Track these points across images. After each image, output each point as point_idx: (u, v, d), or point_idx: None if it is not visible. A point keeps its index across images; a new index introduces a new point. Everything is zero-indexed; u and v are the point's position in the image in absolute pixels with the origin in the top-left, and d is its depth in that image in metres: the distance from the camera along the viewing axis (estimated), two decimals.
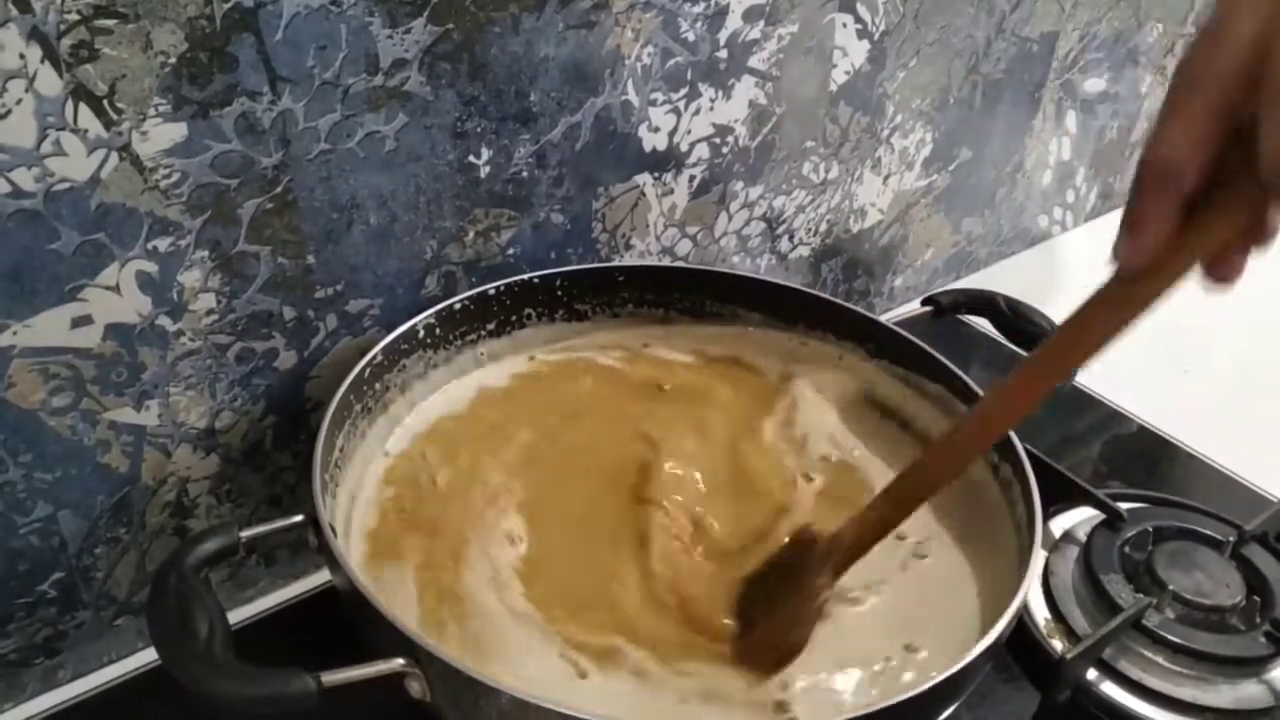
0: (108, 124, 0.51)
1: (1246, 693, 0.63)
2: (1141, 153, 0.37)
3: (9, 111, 0.48)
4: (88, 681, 0.64)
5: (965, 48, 0.93)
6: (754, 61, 0.78)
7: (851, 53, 0.84)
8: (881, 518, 0.53)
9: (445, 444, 0.66)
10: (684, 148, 0.78)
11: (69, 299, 0.54)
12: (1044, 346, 0.46)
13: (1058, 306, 0.77)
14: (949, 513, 0.64)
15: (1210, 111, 0.35)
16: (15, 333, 0.53)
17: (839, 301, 0.74)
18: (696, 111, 0.76)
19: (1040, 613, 0.68)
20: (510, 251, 0.72)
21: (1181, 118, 0.36)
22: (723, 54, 0.75)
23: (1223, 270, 0.39)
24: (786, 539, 0.58)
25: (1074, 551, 0.71)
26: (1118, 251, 0.39)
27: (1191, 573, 0.67)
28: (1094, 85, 1.12)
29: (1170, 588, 0.66)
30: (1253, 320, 0.99)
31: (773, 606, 0.55)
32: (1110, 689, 0.63)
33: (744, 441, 0.68)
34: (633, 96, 0.72)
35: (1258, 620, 0.65)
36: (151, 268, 0.56)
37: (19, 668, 0.62)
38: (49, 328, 0.54)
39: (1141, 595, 0.66)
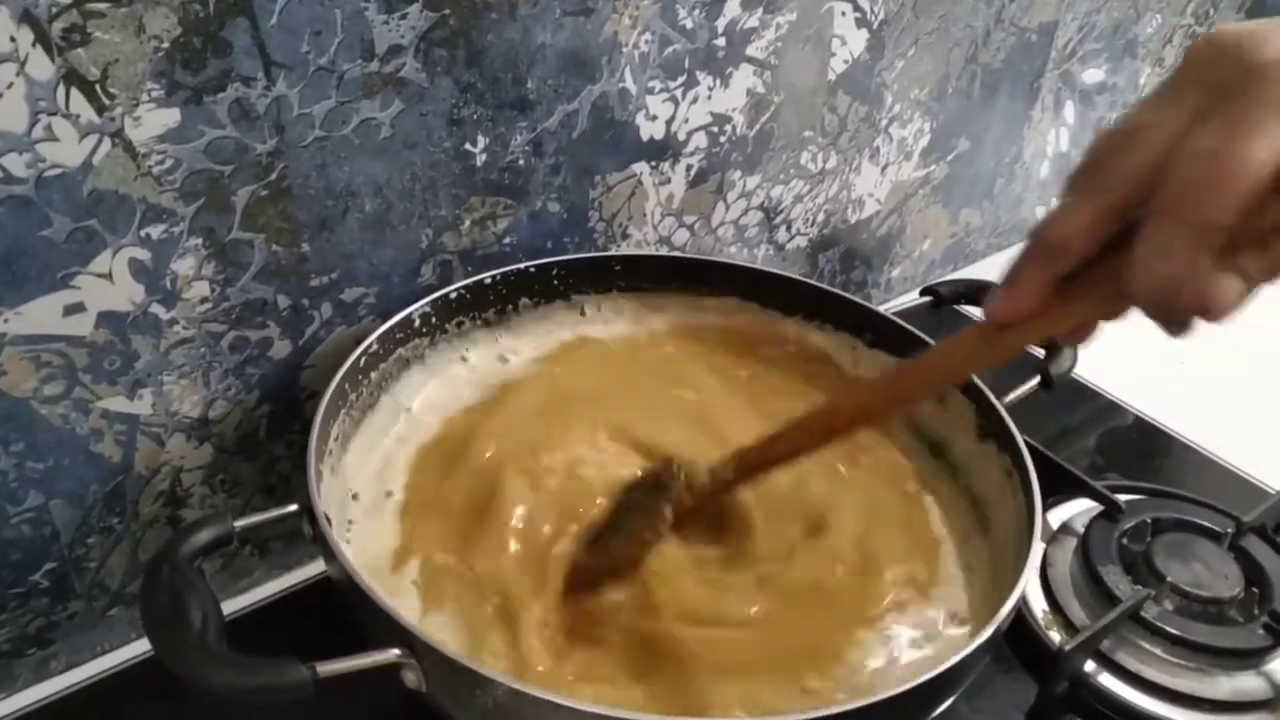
0: (100, 109, 0.50)
1: (1244, 684, 0.63)
2: (1036, 224, 0.39)
3: (0, 96, 0.47)
4: (80, 672, 0.64)
5: (964, 37, 0.93)
6: (752, 50, 0.77)
7: (850, 41, 0.84)
8: (730, 474, 0.54)
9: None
10: (681, 136, 0.77)
11: (61, 286, 0.53)
12: (908, 366, 0.50)
13: None
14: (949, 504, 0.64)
15: (1105, 211, 0.38)
16: (6, 320, 0.52)
17: (837, 291, 0.74)
18: (694, 100, 0.76)
19: (1038, 604, 0.68)
20: (506, 240, 0.72)
21: (1078, 208, 0.38)
22: (721, 42, 0.75)
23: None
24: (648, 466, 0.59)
25: (1072, 543, 0.71)
26: (991, 303, 0.42)
27: (1190, 564, 0.67)
28: (1093, 76, 1.11)
29: (1168, 579, 0.66)
30: (1250, 312, 0.99)
31: (618, 526, 0.57)
32: (1108, 680, 0.64)
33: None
34: (630, 84, 0.71)
35: (1256, 612, 0.65)
36: (144, 255, 0.55)
37: (11, 658, 0.62)
38: (41, 315, 0.53)
39: (1139, 587, 0.66)
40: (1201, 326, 0.37)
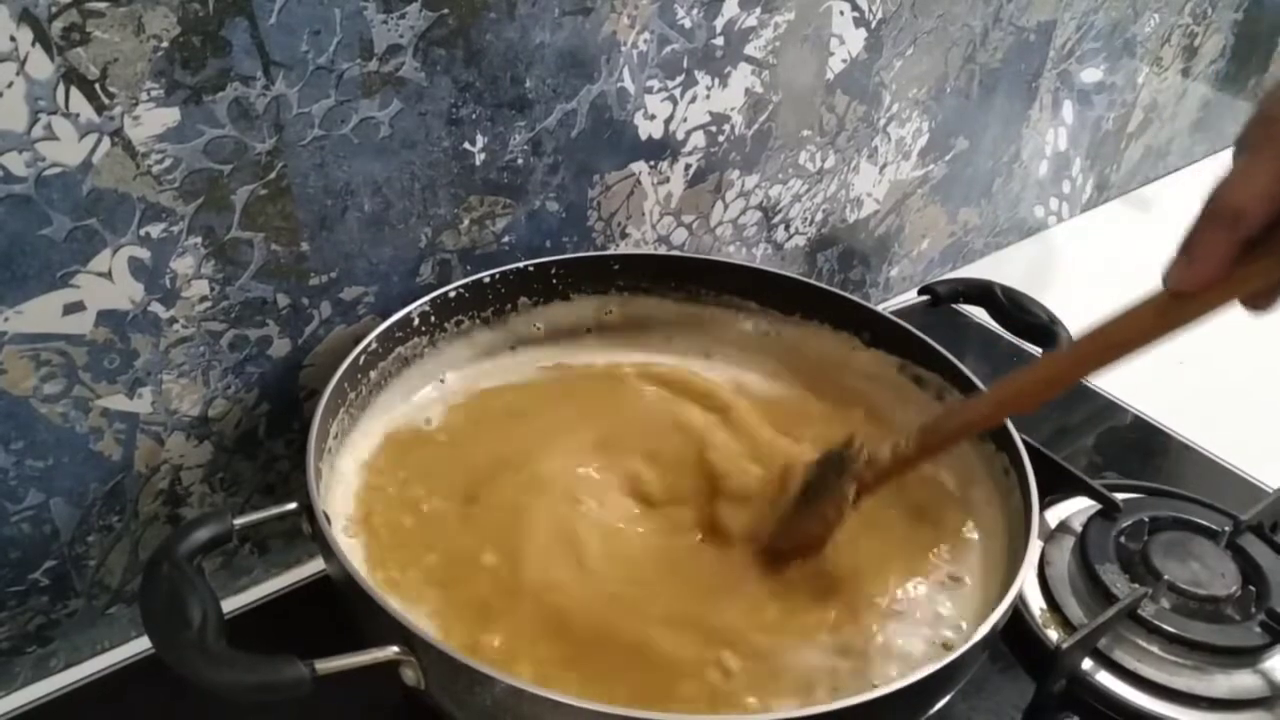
0: (99, 108, 0.50)
1: (1241, 682, 0.63)
2: (1212, 189, 0.38)
3: (0, 95, 0.47)
4: (80, 670, 0.64)
5: (962, 37, 0.93)
6: (750, 49, 0.77)
7: (848, 41, 0.84)
8: (912, 451, 0.55)
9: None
10: (680, 136, 0.77)
11: (60, 285, 0.53)
12: (1085, 337, 0.48)
13: (1053, 297, 0.77)
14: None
15: None
16: (6, 319, 0.52)
17: (836, 290, 0.74)
18: (693, 99, 0.76)
19: (1036, 602, 0.68)
20: (505, 239, 0.72)
21: (1255, 170, 0.37)
22: (719, 41, 0.75)
23: (1262, 302, 0.41)
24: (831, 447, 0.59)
25: (1070, 541, 0.71)
26: (1171, 272, 0.41)
27: (1187, 563, 0.67)
28: (1091, 75, 1.11)
29: (1166, 577, 0.66)
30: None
31: (801, 504, 0.58)
32: (1105, 679, 0.64)
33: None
34: (629, 84, 0.71)
35: (1253, 610, 0.65)
36: (144, 254, 0.56)
37: (11, 656, 0.62)
38: (40, 314, 0.53)
39: (1137, 585, 0.66)
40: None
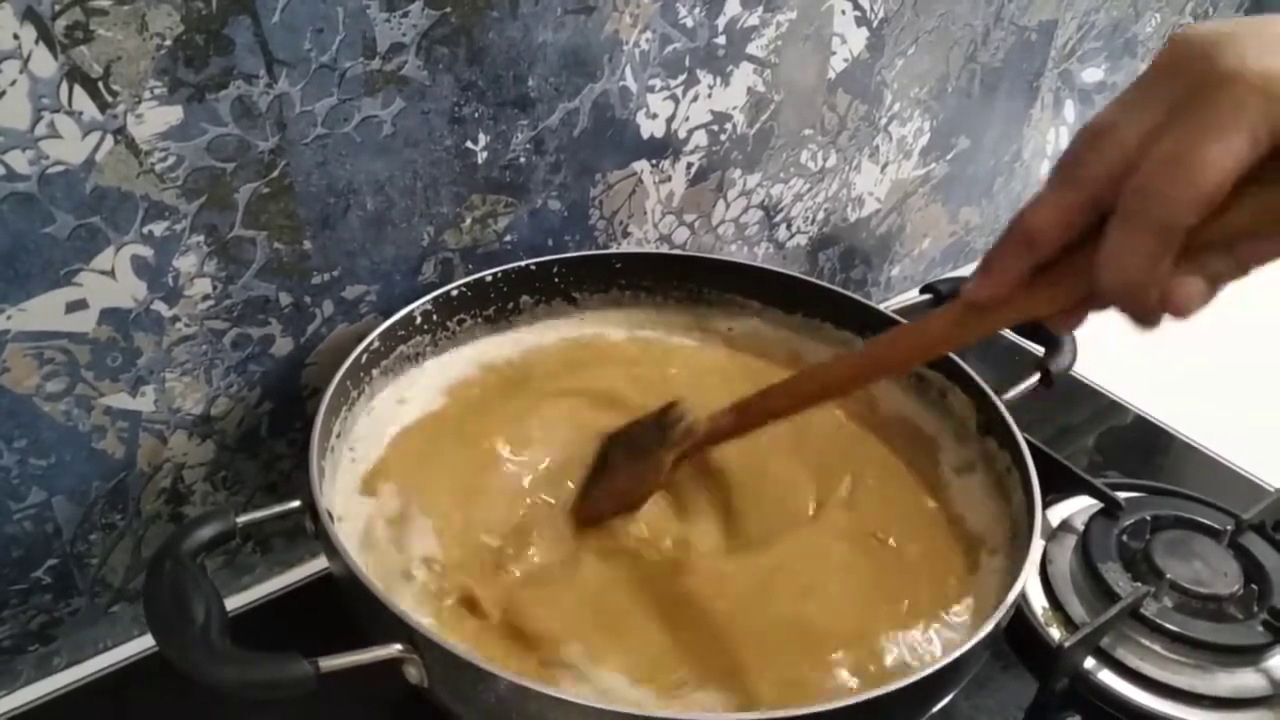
0: (103, 106, 0.50)
1: (1244, 681, 0.63)
2: (1017, 212, 0.41)
3: (3, 93, 0.47)
4: (82, 669, 0.64)
5: (964, 36, 0.93)
6: (752, 48, 0.77)
7: (850, 40, 0.84)
8: (728, 425, 0.57)
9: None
10: (682, 135, 0.77)
11: (64, 283, 0.53)
12: (889, 336, 0.51)
13: None
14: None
15: (1079, 204, 0.39)
16: (9, 317, 0.52)
17: (838, 289, 0.74)
18: (695, 98, 0.76)
19: (1038, 601, 0.68)
20: (507, 238, 0.72)
21: (1056, 200, 0.39)
22: (721, 40, 0.75)
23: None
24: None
25: (1072, 540, 0.71)
26: (968, 284, 0.43)
27: (1189, 561, 0.67)
28: (1092, 75, 1.11)
29: (1168, 576, 0.66)
30: (1249, 309, 0.99)
31: (620, 465, 0.61)
32: (1108, 677, 0.64)
33: None
34: (631, 83, 0.71)
35: (1255, 609, 0.65)
36: (147, 252, 0.56)
37: (13, 655, 0.62)
38: (43, 312, 0.53)
39: (1139, 584, 0.66)
40: (1170, 322, 0.38)
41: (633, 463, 0.60)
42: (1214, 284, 0.38)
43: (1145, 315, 0.38)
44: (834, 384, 0.54)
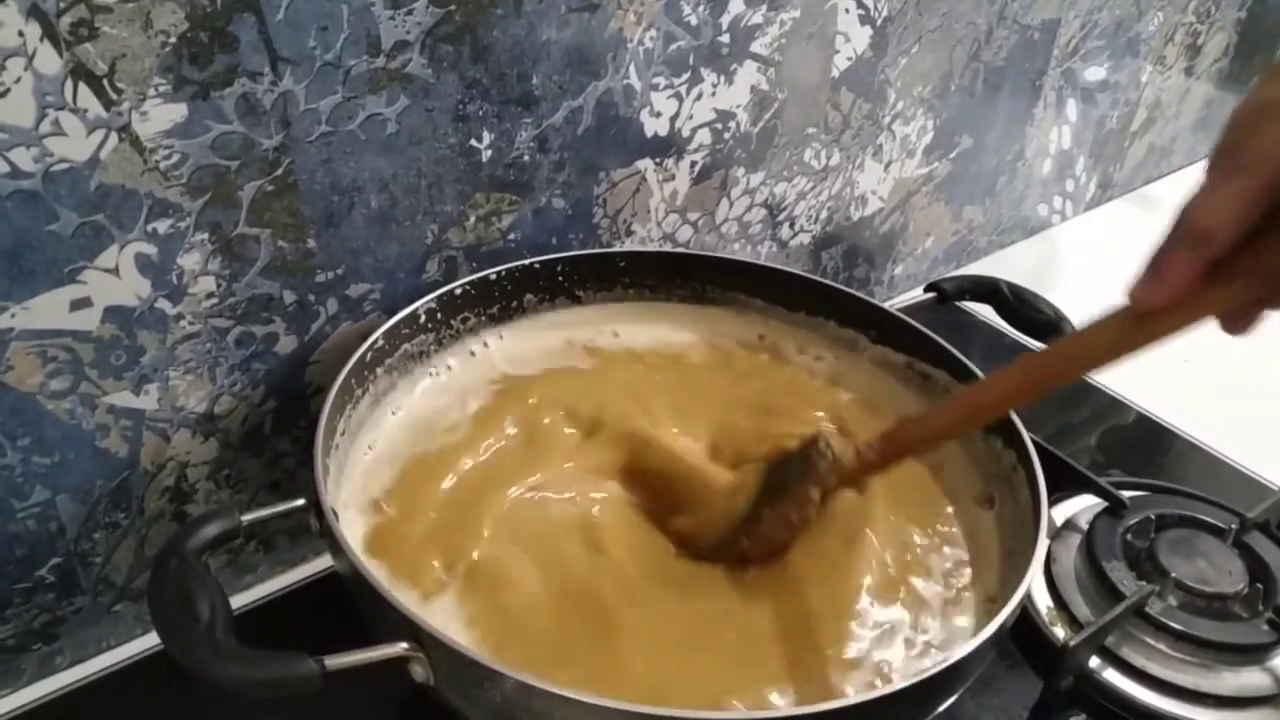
0: (107, 104, 0.50)
1: (1249, 680, 0.63)
2: (1181, 208, 0.38)
3: (8, 90, 0.47)
4: (86, 667, 0.64)
5: (967, 35, 0.93)
6: (756, 46, 0.77)
7: (854, 38, 0.84)
8: (876, 456, 0.55)
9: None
10: (685, 133, 0.77)
11: (68, 281, 0.53)
12: (1049, 350, 0.49)
13: (1057, 296, 0.77)
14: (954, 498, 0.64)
15: (1252, 193, 0.36)
16: (13, 315, 0.52)
17: (842, 288, 0.74)
18: (698, 96, 0.76)
19: (1043, 600, 0.68)
20: (511, 236, 0.72)
21: (1223, 191, 0.36)
22: (725, 38, 0.75)
23: (1236, 324, 0.41)
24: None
25: (1076, 539, 0.71)
26: (1136, 289, 0.40)
27: (1194, 560, 0.67)
28: (1095, 74, 1.11)
29: (1172, 575, 0.66)
30: None
31: (764, 505, 0.57)
32: (1112, 676, 0.63)
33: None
34: (635, 81, 0.71)
35: (1260, 608, 0.65)
36: (151, 250, 0.55)
37: (16, 654, 0.62)
38: (47, 310, 0.53)
39: (1144, 583, 0.66)
40: None
41: (777, 503, 0.57)
42: None
43: None
44: (990, 404, 0.52)
